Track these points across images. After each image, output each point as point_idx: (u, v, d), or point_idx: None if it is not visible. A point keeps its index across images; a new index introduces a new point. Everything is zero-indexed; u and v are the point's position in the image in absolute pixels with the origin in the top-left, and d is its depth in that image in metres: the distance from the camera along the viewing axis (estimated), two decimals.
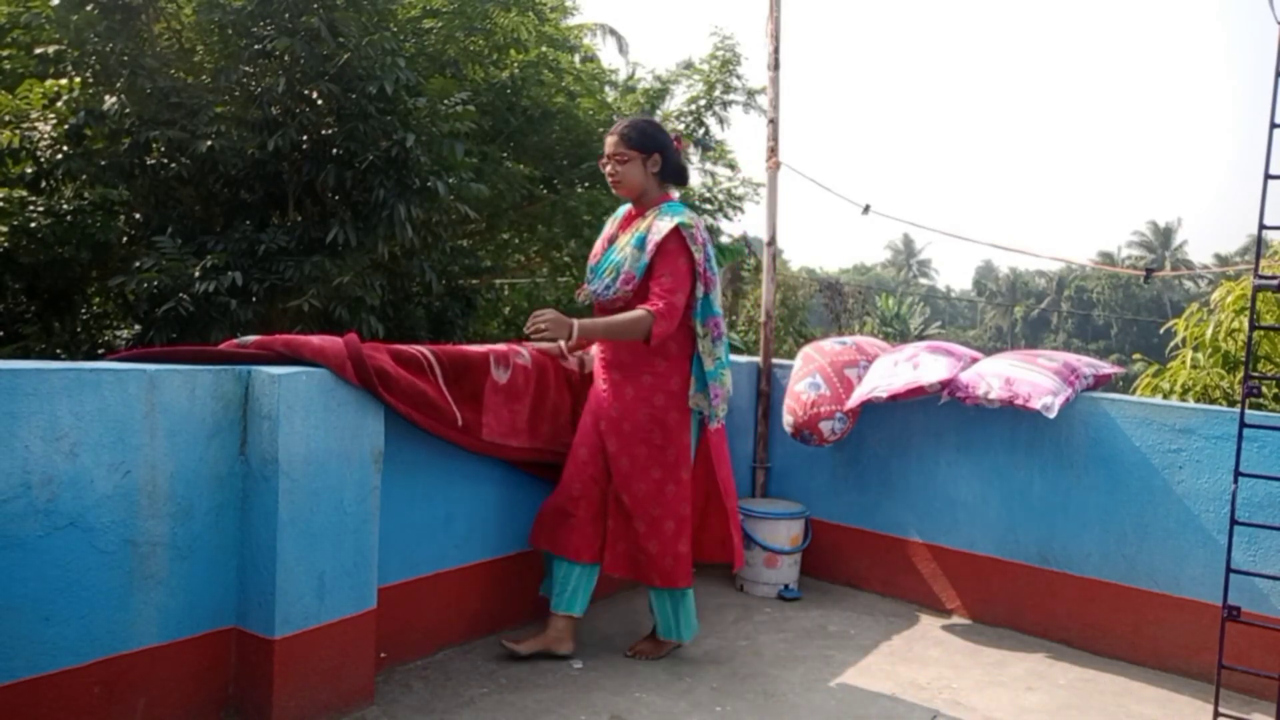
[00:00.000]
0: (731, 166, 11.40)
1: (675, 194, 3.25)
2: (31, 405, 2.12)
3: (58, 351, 6.38)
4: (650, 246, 3.00)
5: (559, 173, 8.35)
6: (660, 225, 3.01)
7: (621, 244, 3.12)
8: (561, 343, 3.06)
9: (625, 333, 3.00)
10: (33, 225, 5.63)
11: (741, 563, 3.40)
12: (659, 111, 10.92)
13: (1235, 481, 2.77)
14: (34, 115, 5.91)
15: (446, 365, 3.01)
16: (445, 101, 6.28)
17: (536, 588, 3.57)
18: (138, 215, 6.58)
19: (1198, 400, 5.63)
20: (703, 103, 10.52)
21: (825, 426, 3.85)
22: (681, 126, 10.27)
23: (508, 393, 3.27)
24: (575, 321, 2.90)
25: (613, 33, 16.50)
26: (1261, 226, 2.74)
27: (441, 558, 3.17)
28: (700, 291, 3.05)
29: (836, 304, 22.13)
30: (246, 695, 2.56)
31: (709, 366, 3.07)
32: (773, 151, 4.48)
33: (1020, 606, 3.71)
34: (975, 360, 3.80)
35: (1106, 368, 3.80)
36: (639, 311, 2.96)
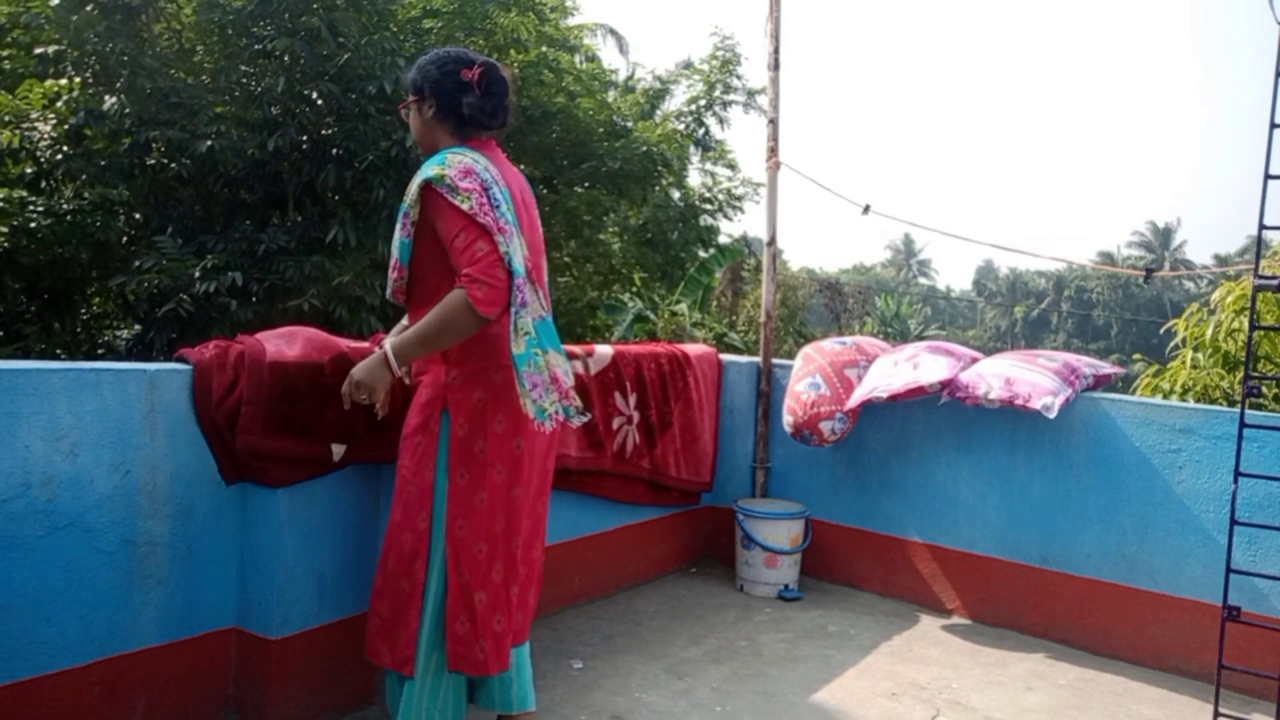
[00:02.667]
0: (731, 166, 11.41)
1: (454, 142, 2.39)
2: (31, 405, 2.12)
3: (58, 351, 6.39)
4: (405, 221, 2.29)
5: (559, 173, 8.36)
6: (411, 190, 2.30)
7: None
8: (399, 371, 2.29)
9: (445, 333, 2.20)
10: (33, 225, 5.64)
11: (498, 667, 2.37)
12: (659, 111, 10.93)
13: (1235, 481, 2.76)
14: (34, 115, 5.92)
15: None
16: None
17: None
18: (138, 215, 6.58)
19: (1198, 400, 5.63)
20: (703, 103, 10.53)
21: (825, 426, 3.85)
22: (681, 127, 10.27)
23: None
24: (387, 350, 2.25)
25: (613, 33, 16.53)
26: (1261, 226, 2.74)
27: None
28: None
29: (836, 304, 22.13)
30: (246, 695, 2.56)
31: (517, 348, 2.18)
32: (773, 151, 4.48)
33: (1020, 606, 3.71)
34: (975, 360, 3.80)
35: (1106, 368, 3.80)
36: (448, 297, 2.20)
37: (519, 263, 2.21)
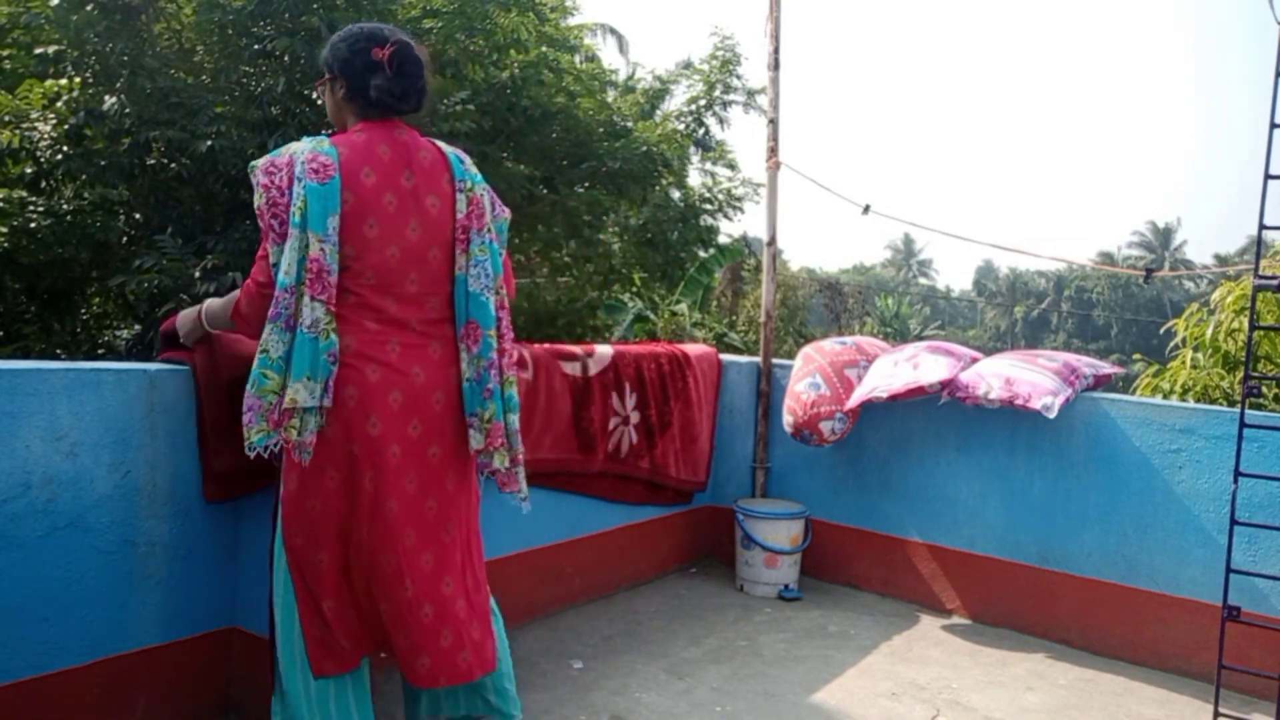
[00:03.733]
0: (731, 166, 11.40)
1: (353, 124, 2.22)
2: (31, 405, 2.12)
3: (58, 351, 6.39)
4: None
5: (559, 173, 8.34)
6: None
7: None
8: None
9: (216, 319, 2.30)
10: (33, 225, 5.64)
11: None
12: (659, 111, 10.93)
13: (1235, 481, 2.77)
14: (34, 115, 5.91)
15: None
16: (445, 101, 6.28)
17: (530, 588, 3.56)
18: (138, 215, 6.58)
19: (1198, 400, 5.63)
20: (703, 103, 10.51)
21: (825, 426, 3.85)
22: (681, 127, 10.26)
23: None
24: (203, 307, 2.34)
25: (613, 32, 16.55)
26: (1261, 226, 2.74)
27: None
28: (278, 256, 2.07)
29: (836, 304, 22.12)
30: (246, 695, 2.55)
31: (255, 367, 2.05)
32: (773, 151, 4.48)
33: (1020, 606, 3.71)
34: (975, 360, 3.80)
35: (1106, 368, 3.80)
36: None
37: (284, 272, 2.03)
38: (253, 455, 2.04)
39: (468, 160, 2.30)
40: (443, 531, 2.19)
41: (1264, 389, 5.27)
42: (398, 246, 2.13)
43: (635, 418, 3.87)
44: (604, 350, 3.76)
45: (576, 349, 3.66)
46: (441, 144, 2.28)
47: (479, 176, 2.29)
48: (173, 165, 6.12)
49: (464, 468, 2.24)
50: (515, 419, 2.28)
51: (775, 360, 4.46)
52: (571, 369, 3.56)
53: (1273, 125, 2.70)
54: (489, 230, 2.27)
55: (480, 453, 2.22)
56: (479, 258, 2.24)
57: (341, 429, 2.08)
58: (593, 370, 3.65)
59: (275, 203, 2.06)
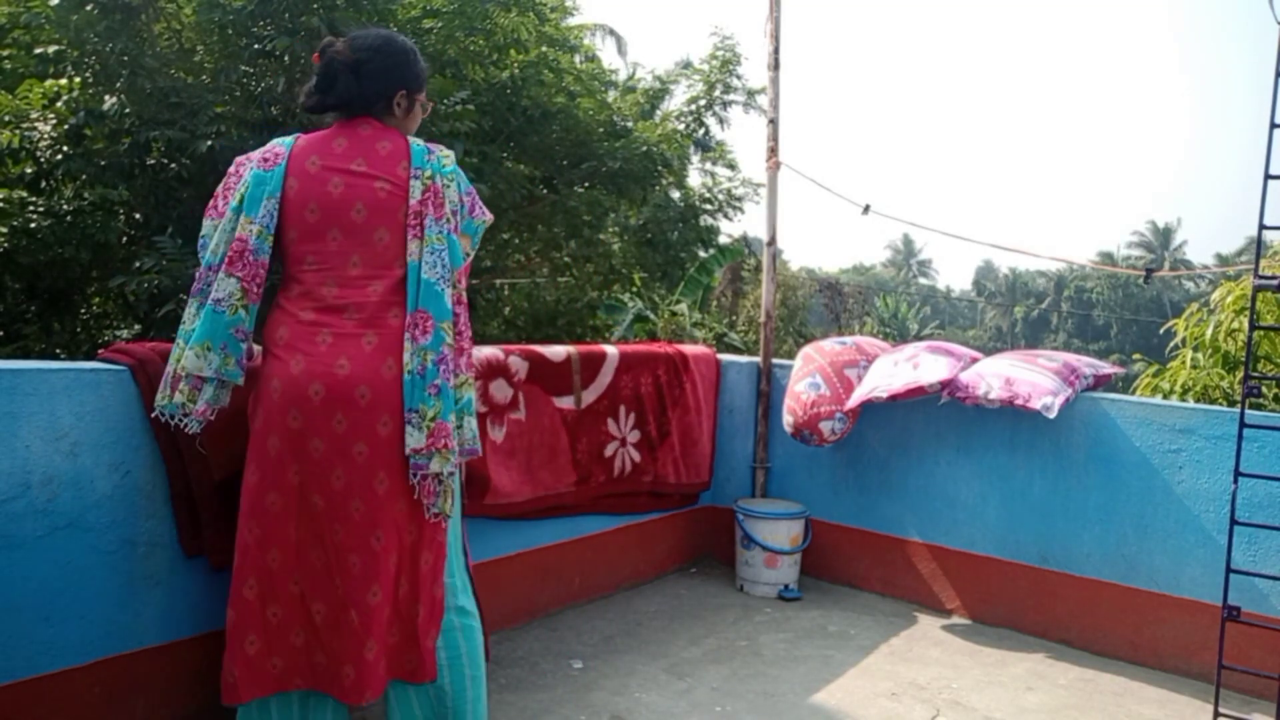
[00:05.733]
0: (731, 166, 11.41)
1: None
2: (31, 405, 2.12)
3: (58, 351, 6.38)
4: None
5: (559, 173, 8.35)
6: None
7: None
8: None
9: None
10: (33, 225, 5.63)
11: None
12: (659, 111, 10.94)
13: (1235, 481, 2.77)
14: (34, 115, 5.91)
15: None
16: (445, 101, 6.28)
17: (530, 588, 3.56)
18: (138, 215, 6.57)
19: (1198, 400, 5.63)
20: (703, 103, 10.51)
21: (825, 426, 3.85)
22: (681, 127, 10.28)
23: (507, 451, 3.26)
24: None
25: (612, 33, 16.55)
26: (1261, 226, 2.74)
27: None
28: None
29: (836, 304, 22.10)
30: None
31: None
32: (773, 151, 4.48)
33: (1020, 606, 3.71)
34: (975, 360, 3.80)
35: (1106, 368, 3.80)
36: None
37: (211, 252, 2.13)
38: (161, 419, 2.12)
39: (438, 152, 2.23)
40: (370, 537, 2.07)
41: (1264, 389, 5.27)
42: (339, 229, 2.13)
43: (634, 436, 3.85)
44: (602, 379, 3.70)
45: (575, 377, 3.57)
46: (413, 138, 2.26)
47: (449, 169, 2.22)
48: (173, 165, 6.12)
49: (400, 469, 2.09)
50: (473, 423, 2.18)
51: (775, 360, 4.46)
52: (564, 403, 3.53)
53: (1273, 125, 2.70)
54: (449, 221, 2.18)
55: (417, 452, 2.07)
56: (435, 246, 2.14)
57: (265, 422, 2.10)
58: (586, 401, 3.62)
59: (229, 187, 2.19)
